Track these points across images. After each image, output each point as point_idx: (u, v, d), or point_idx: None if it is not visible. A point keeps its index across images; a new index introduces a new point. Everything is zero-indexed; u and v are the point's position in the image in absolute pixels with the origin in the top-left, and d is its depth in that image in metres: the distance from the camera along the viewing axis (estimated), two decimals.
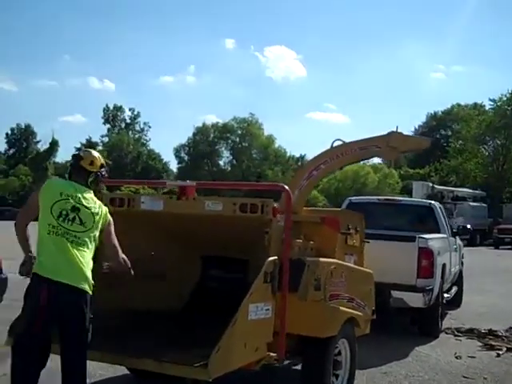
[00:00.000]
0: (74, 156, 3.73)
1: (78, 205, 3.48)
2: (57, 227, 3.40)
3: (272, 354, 3.88)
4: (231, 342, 3.39)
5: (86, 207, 3.50)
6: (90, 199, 3.57)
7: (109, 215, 3.67)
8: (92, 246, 3.51)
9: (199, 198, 4.24)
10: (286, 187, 4.20)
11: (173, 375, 3.69)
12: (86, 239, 3.46)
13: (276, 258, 3.86)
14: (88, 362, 3.75)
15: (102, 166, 3.69)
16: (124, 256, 3.69)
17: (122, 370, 5.14)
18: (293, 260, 4.04)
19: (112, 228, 3.66)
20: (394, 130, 6.15)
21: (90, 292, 3.46)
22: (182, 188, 4.23)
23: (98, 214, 3.55)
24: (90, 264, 3.48)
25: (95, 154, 3.72)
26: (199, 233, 4.70)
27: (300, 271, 4.13)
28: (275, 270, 3.83)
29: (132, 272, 3.78)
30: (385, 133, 6.11)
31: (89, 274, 3.45)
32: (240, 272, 4.82)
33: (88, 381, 5.02)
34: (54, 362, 3.60)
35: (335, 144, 6.13)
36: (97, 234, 3.55)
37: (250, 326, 3.59)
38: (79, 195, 3.51)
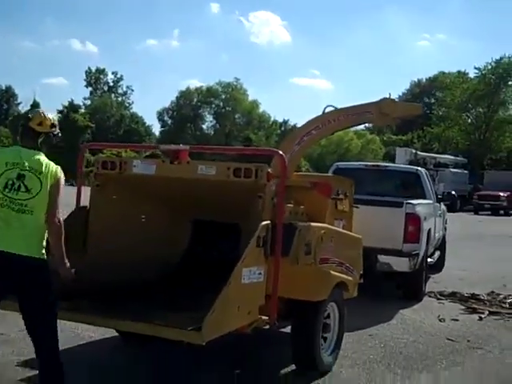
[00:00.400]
0: (23, 117, 3.61)
1: (23, 172, 3.37)
2: (2, 198, 3.32)
3: (264, 317, 3.92)
4: (225, 305, 3.40)
5: (32, 172, 3.39)
6: (37, 161, 3.44)
7: (59, 173, 3.51)
8: (42, 211, 3.39)
9: (193, 161, 4.19)
10: (281, 152, 4.18)
11: (164, 338, 3.70)
12: (34, 205, 3.36)
13: (269, 222, 3.86)
14: (76, 324, 3.63)
15: (52, 125, 3.55)
16: (60, 218, 3.48)
17: (110, 332, 5.14)
18: (284, 224, 4.04)
19: (60, 187, 3.50)
20: (386, 96, 6.12)
21: (42, 256, 3.37)
22: (175, 152, 4.17)
23: (45, 175, 3.42)
24: (41, 229, 3.39)
25: (45, 114, 3.57)
26: (190, 197, 4.66)
27: (291, 235, 4.13)
28: (268, 235, 3.83)
29: (73, 271, 3.48)
30: (377, 99, 6.07)
31: (37, 240, 3.36)
32: (231, 237, 4.81)
33: (77, 343, 5.11)
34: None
35: (327, 110, 6.09)
36: (47, 197, 3.41)
37: (243, 290, 3.61)
38: (25, 161, 3.40)
